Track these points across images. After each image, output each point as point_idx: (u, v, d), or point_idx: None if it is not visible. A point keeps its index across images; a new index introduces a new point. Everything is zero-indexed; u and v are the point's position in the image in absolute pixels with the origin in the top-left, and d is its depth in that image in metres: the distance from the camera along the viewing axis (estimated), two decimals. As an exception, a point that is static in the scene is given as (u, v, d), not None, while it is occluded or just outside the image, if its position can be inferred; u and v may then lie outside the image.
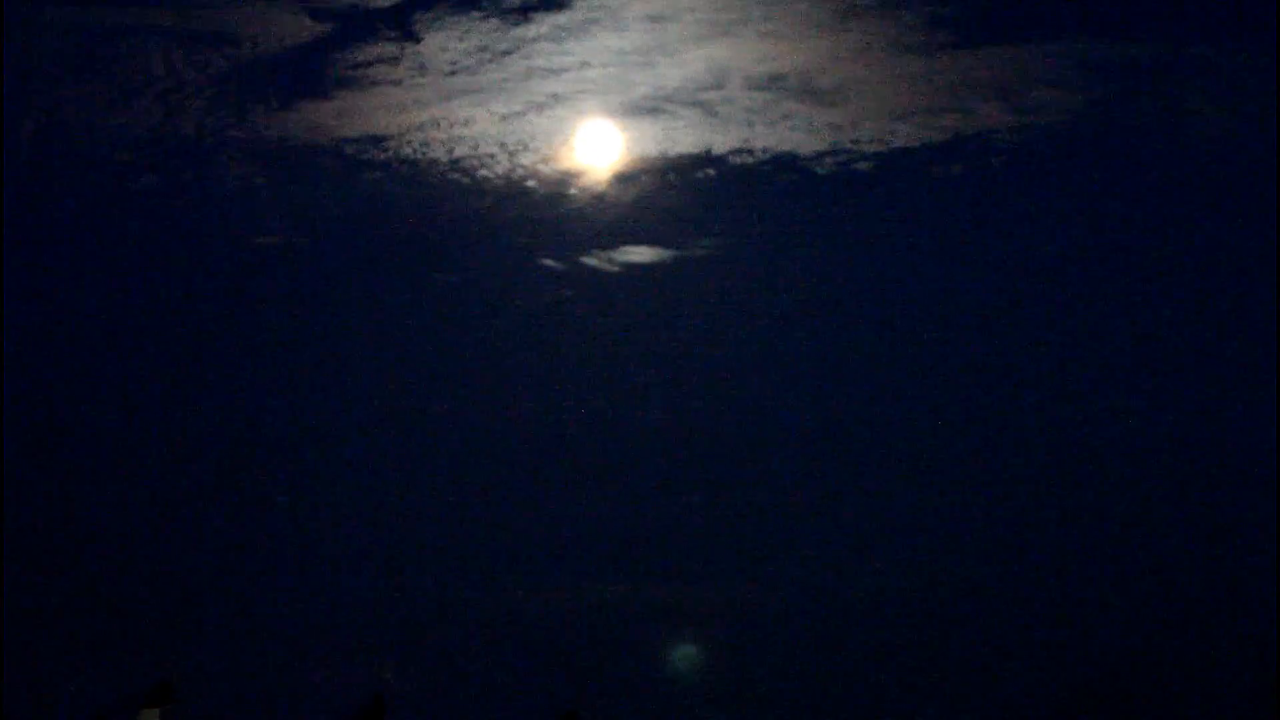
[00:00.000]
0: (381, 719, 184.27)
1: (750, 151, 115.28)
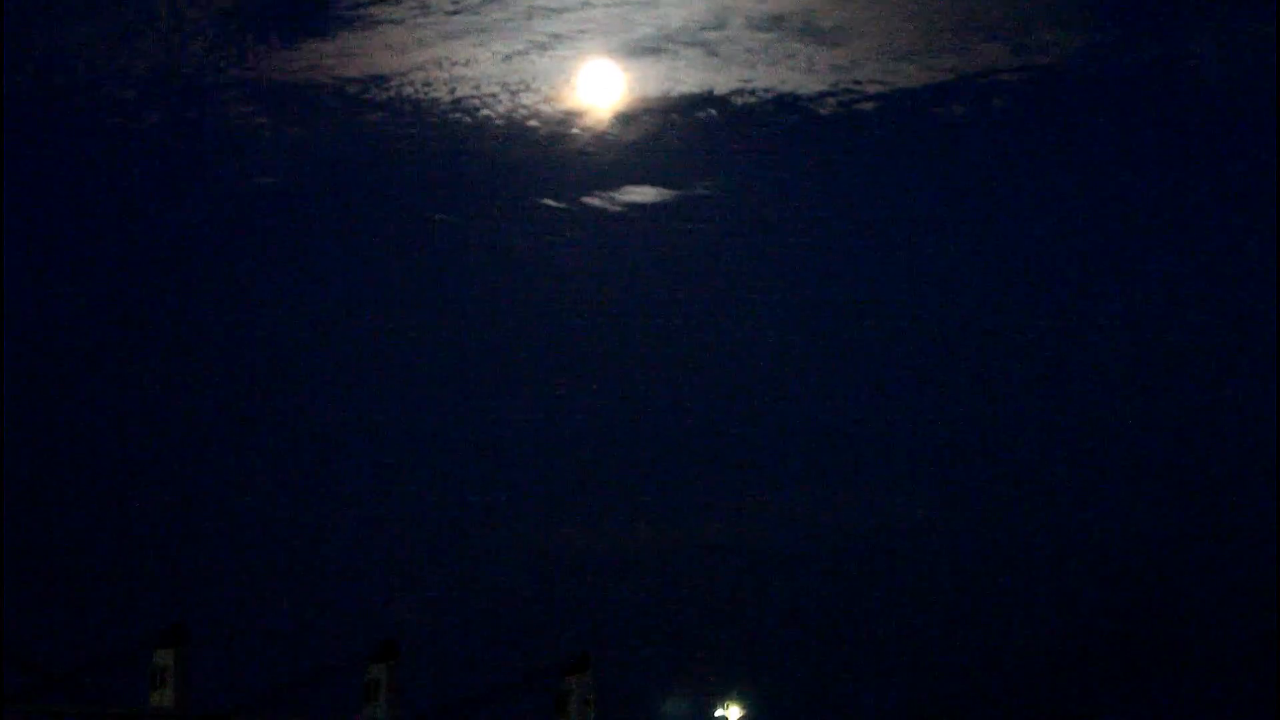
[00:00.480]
0: (395, 659, 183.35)
1: (752, 92, 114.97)
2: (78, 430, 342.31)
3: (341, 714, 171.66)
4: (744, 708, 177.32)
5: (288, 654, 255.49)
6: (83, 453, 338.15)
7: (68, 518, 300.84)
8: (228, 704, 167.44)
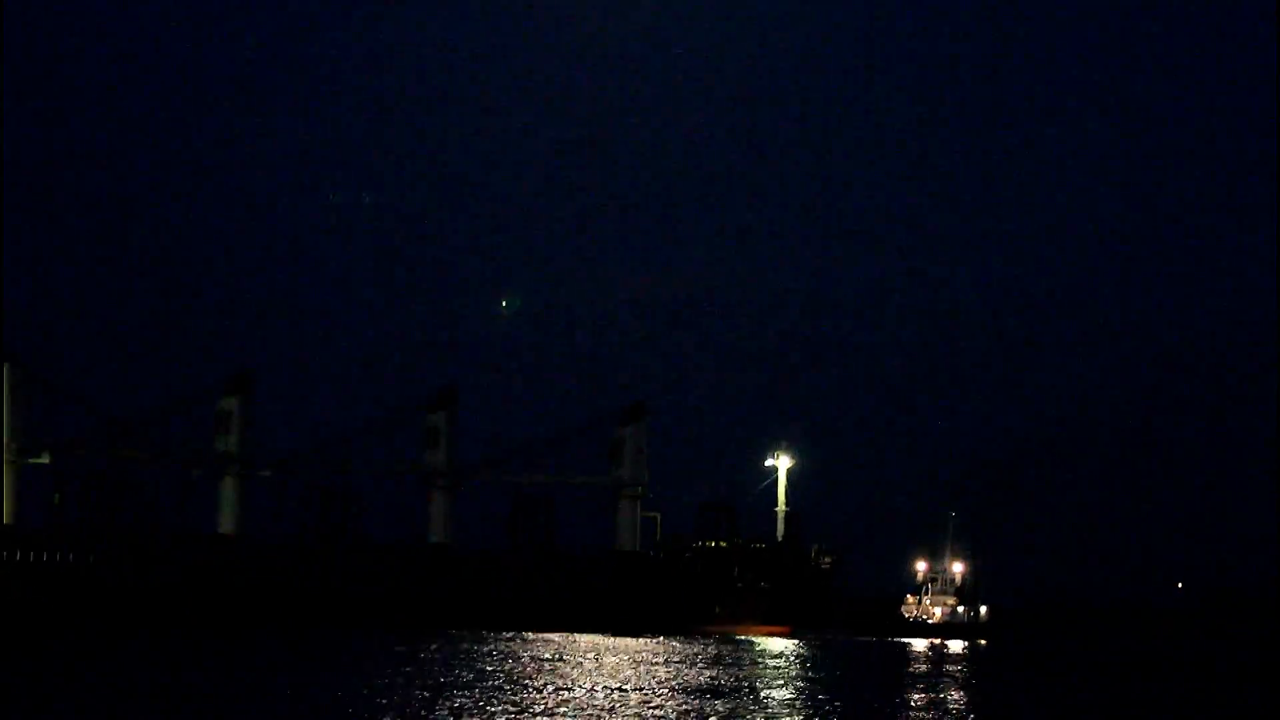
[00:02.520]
0: (453, 407, 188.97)
1: None
2: (152, 175, 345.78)
3: (402, 459, 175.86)
4: (793, 457, 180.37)
5: (349, 401, 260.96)
6: (150, 198, 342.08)
7: (135, 266, 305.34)
8: (290, 448, 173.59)
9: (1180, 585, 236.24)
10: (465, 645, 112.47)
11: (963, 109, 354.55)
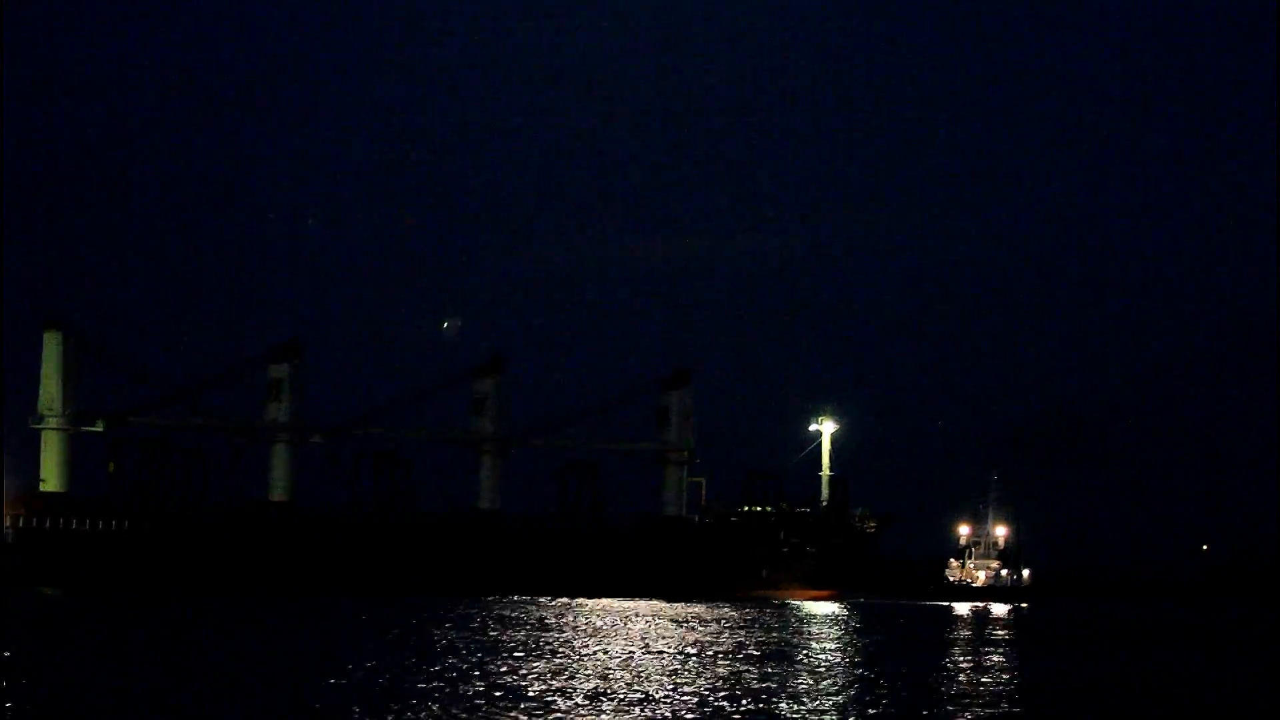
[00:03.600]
0: (501, 374, 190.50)
1: None
2: (204, 143, 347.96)
3: (451, 426, 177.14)
4: (837, 421, 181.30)
5: (399, 368, 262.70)
6: (201, 166, 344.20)
7: (187, 234, 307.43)
8: (341, 415, 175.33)
9: (1205, 548, 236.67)
10: (507, 613, 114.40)
11: (1005, 59, 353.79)
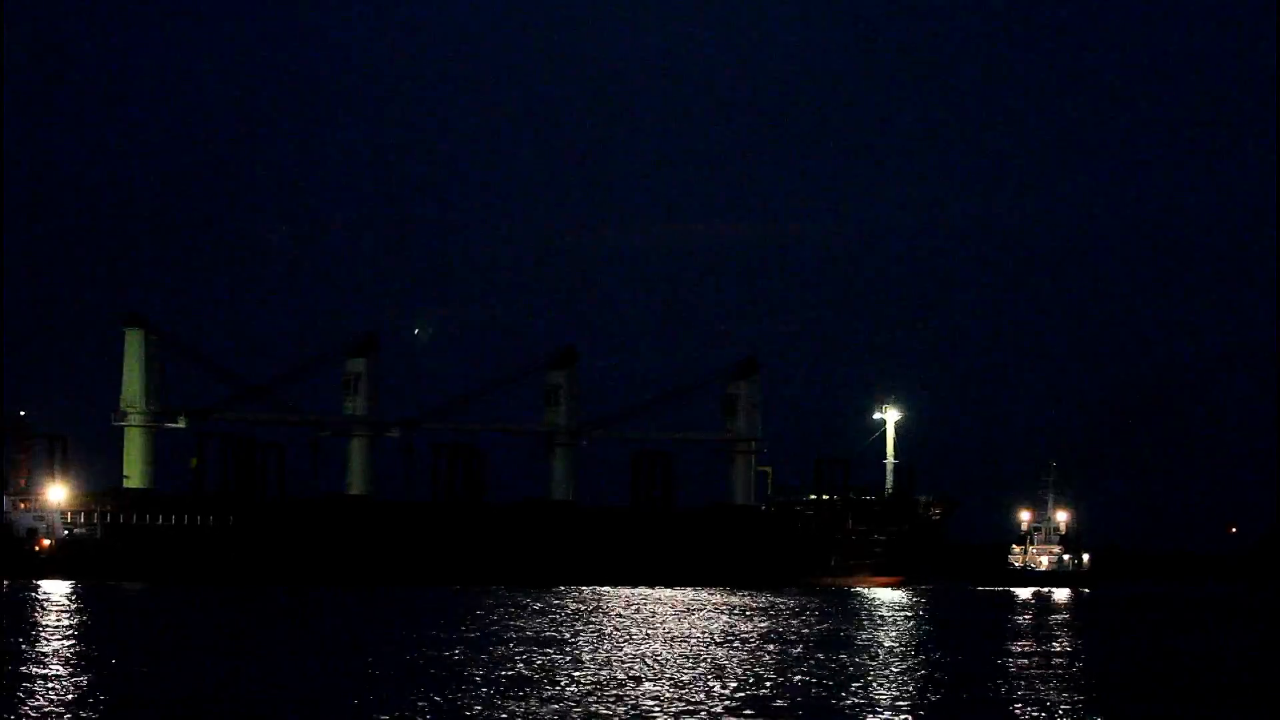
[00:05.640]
0: (573, 366, 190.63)
1: None
2: (278, 142, 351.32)
3: (525, 418, 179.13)
4: (901, 409, 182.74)
5: (471, 363, 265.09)
6: (279, 164, 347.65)
7: (264, 232, 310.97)
8: (416, 409, 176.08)
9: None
10: (575, 604, 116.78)
11: (1060, 46, 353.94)
